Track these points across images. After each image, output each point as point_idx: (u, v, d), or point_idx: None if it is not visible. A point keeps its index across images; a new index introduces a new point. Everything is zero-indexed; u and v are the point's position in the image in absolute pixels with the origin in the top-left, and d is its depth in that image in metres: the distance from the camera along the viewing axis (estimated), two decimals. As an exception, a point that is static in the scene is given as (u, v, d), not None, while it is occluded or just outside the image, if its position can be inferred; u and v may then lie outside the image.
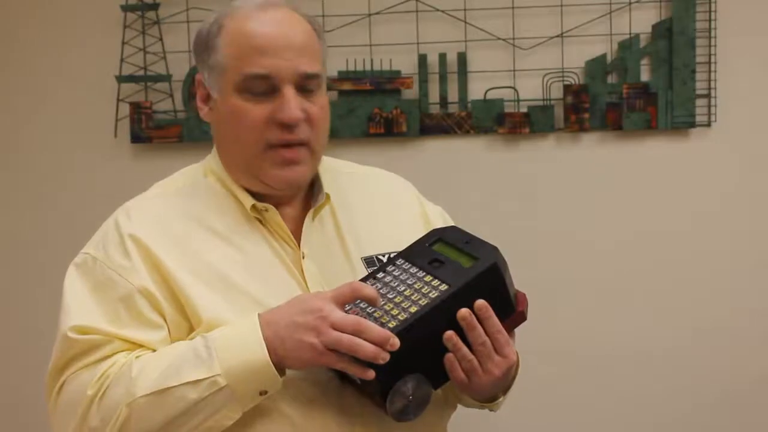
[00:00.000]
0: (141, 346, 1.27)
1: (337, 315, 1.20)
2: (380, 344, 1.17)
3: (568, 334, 2.48)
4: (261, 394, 1.22)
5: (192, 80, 2.51)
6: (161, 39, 2.52)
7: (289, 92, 1.30)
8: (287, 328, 1.21)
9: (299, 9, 1.37)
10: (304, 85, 1.32)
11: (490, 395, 1.35)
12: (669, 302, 2.50)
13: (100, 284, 1.31)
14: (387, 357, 1.18)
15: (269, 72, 1.29)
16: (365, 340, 1.17)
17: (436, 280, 1.25)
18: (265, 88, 1.30)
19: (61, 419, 1.28)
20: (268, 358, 1.20)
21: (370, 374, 1.19)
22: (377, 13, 2.47)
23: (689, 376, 2.50)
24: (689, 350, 2.49)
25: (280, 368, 1.22)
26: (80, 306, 1.30)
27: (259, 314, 1.24)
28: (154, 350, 1.28)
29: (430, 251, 1.31)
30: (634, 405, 2.51)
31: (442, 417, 1.42)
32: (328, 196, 1.41)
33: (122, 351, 1.26)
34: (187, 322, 1.29)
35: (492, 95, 2.47)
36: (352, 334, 1.18)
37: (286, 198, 1.39)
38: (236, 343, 1.21)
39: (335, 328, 1.19)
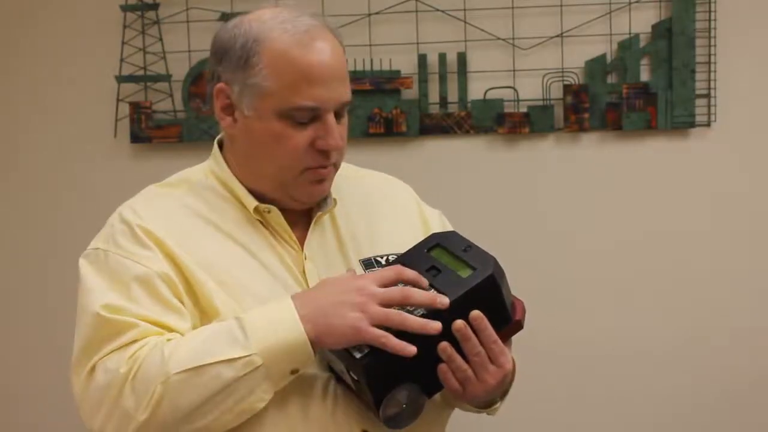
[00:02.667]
0: (169, 329, 1.27)
1: (381, 291, 1.22)
2: (429, 306, 1.21)
3: (568, 334, 2.48)
4: (292, 372, 1.23)
5: (192, 80, 2.51)
6: (161, 39, 2.52)
7: (332, 121, 1.32)
8: (330, 306, 1.22)
9: (334, 29, 1.37)
10: (341, 112, 1.35)
11: (486, 402, 1.35)
12: (669, 302, 2.50)
13: (117, 273, 1.30)
14: (439, 326, 1.20)
15: (320, 105, 1.30)
16: (413, 305, 1.21)
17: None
18: (310, 116, 1.31)
19: (93, 402, 1.26)
20: (305, 335, 1.21)
21: (412, 350, 1.19)
22: (377, 13, 2.47)
23: (689, 376, 2.50)
24: (689, 350, 2.49)
25: (315, 346, 1.23)
26: (103, 288, 1.29)
27: (291, 296, 1.25)
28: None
29: (428, 258, 1.31)
30: (635, 405, 2.51)
31: (440, 417, 1.42)
32: (335, 201, 1.41)
33: (153, 335, 1.26)
34: (201, 314, 1.29)
35: (492, 95, 2.47)
36: (401, 303, 1.21)
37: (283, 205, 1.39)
38: (271, 322, 1.22)
39: (382, 304, 1.21)
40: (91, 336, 1.27)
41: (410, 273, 1.24)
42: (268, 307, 1.24)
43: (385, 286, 1.23)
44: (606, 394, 2.51)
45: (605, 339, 2.50)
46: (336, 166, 1.38)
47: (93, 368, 1.26)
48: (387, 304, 1.21)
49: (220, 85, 1.35)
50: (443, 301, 1.21)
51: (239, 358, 1.20)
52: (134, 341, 1.25)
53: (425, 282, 1.24)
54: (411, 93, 2.49)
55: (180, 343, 1.23)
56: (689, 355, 2.49)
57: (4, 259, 2.62)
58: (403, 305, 1.21)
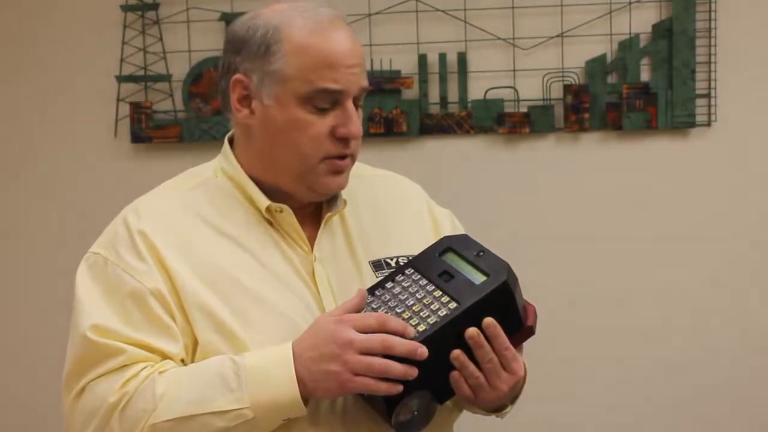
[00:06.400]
0: (159, 352, 1.27)
1: (362, 338, 1.20)
2: (408, 356, 1.19)
3: (568, 333, 2.48)
4: (284, 420, 1.24)
5: (192, 80, 2.51)
6: (161, 39, 2.52)
7: (352, 107, 1.33)
8: (312, 360, 1.21)
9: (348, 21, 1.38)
10: (358, 100, 1.35)
11: (496, 406, 1.35)
12: (667, 301, 2.50)
13: (112, 286, 1.30)
14: (416, 372, 1.19)
15: (342, 87, 1.31)
16: (393, 353, 1.19)
17: (446, 296, 1.24)
18: (331, 102, 1.32)
19: (80, 423, 1.27)
20: (299, 395, 1.21)
21: (399, 388, 1.20)
22: (377, 13, 2.47)
23: (689, 375, 2.50)
24: (687, 349, 2.49)
25: (307, 401, 1.23)
26: (95, 306, 1.29)
27: (292, 344, 1.24)
28: (171, 360, 1.27)
29: (440, 262, 1.30)
30: (630, 406, 2.51)
31: (449, 419, 1.41)
32: (345, 202, 1.40)
33: (142, 361, 1.26)
34: (190, 328, 1.29)
35: (492, 95, 2.47)
36: (381, 352, 1.19)
37: (298, 201, 1.38)
38: (268, 378, 1.21)
39: (363, 352, 1.20)
40: (79, 357, 1.28)
41: (394, 323, 1.22)
42: (267, 358, 1.24)
43: (367, 332, 1.21)
44: (604, 395, 2.51)
45: (604, 338, 2.50)
46: (353, 159, 1.37)
47: (82, 390, 1.27)
48: (367, 352, 1.20)
49: (238, 75, 1.34)
50: (422, 352, 1.19)
51: (231, 410, 1.21)
52: (124, 366, 1.25)
53: (411, 331, 1.22)
54: (411, 93, 2.49)
55: (174, 383, 1.23)
56: (686, 355, 2.49)
57: (5, 258, 2.62)
58: (383, 354, 1.20)
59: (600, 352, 2.51)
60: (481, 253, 1.29)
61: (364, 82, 1.35)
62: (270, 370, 1.22)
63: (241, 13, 1.39)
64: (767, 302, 2.49)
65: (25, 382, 2.60)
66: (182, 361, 1.28)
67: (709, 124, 2.45)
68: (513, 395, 1.33)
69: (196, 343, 1.28)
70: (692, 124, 2.45)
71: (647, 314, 2.50)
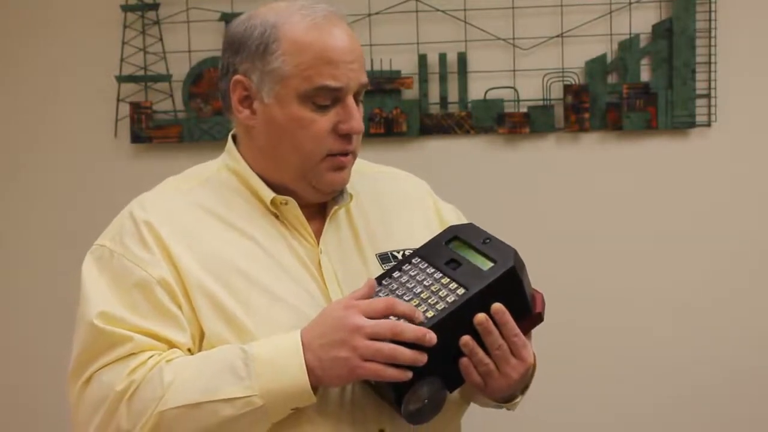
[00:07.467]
0: (166, 341, 1.27)
1: (370, 323, 1.20)
2: (417, 342, 1.19)
3: (568, 334, 2.48)
4: (292, 409, 1.24)
5: (192, 80, 2.51)
6: (161, 39, 2.52)
7: (353, 103, 1.34)
8: (321, 348, 1.21)
9: (347, 19, 1.38)
10: (358, 95, 1.36)
11: (507, 396, 1.35)
12: (668, 302, 2.50)
13: (119, 277, 1.30)
14: (425, 359, 1.19)
15: (341, 84, 1.31)
16: (402, 340, 1.19)
17: (454, 283, 1.24)
18: (331, 99, 1.32)
19: (86, 413, 1.27)
20: (309, 384, 1.21)
21: (408, 374, 1.19)
22: (377, 13, 2.47)
23: (689, 375, 2.50)
24: (688, 349, 2.49)
25: (317, 389, 1.23)
26: (102, 296, 1.29)
27: (301, 332, 1.24)
28: (178, 349, 1.27)
29: (447, 250, 1.30)
30: (628, 406, 2.51)
31: (457, 412, 1.41)
32: (351, 196, 1.41)
33: (149, 349, 1.26)
34: (196, 317, 1.29)
35: (492, 95, 2.47)
36: (390, 338, 1.19)
37: (304, 199, 1.38)
38: (278, 366, 1.21)
39: (372, 338, 1.19)
40: (86, 346, 1.28)
41: (403, 306, 1.22)
42: (276, 346, 1.23)
43: (375, 317, 1.21)
44: (604, 395, 2.51)
45: (604, 338, 2.50)
46: (354, 155, 1.38)
47: (89, 379, 1.27)
48: (376, 337, 1.20)
49: (238, 76, 1.34)
50: (431, 338, 1.19)
51: (240, 398, 1.21)
52: (131, 354, 1.25)
53: (420, 316, 1.22)
54: (411, 93, 2.49)
55: (182, 371, 1.23)
56: (685, 355, 2.49)
57: (5, 259, 2.62)
58: (392, 339, 1.19)
59: (600, 352, 2.51)
60: (488, 241, 1.29)
61: (364, 78, 1.35)
62: (279, 359, 1.22)
63: (242, 13, 1.39)
64: (767, 302, 2.49)
65: (25, 381, 2.60)
66: (189, 350, 1.28)
67: (709, 124, 2.45)
68: (523, 384, 1.34)
69: (202, 333, 1.28)
70: (692, 124, 2.45)
71: (647, 314, 2.50)
